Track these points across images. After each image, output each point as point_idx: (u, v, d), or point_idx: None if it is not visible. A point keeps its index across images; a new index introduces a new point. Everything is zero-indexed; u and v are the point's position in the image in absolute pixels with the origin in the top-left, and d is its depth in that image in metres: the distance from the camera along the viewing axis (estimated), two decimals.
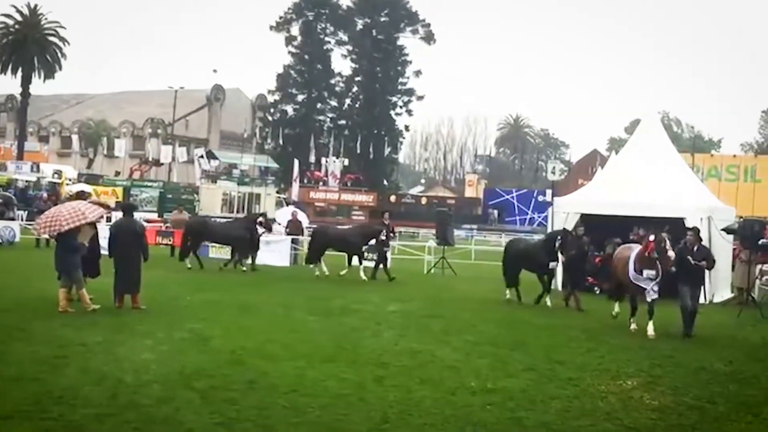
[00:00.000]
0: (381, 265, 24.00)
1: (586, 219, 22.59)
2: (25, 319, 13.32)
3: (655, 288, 14.72)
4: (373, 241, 24.27)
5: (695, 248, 15.10)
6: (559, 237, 18.95)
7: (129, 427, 7.63)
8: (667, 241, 14.51)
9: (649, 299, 14.69)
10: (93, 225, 15.15)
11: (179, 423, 7.84)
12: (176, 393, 8.98)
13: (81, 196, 17.56)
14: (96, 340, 11.88)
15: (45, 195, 43.90)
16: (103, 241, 16.09)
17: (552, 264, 19.07)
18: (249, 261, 25.33)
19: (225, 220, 28.71)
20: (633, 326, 15.09)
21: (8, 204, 34.11)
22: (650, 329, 14.45)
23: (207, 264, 25.59)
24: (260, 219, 26.28)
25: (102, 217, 15.84)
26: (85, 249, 14.95)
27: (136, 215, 19.18)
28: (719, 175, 76.05)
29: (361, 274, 23.49)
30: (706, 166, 75.95)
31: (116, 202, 19.74)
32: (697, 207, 21.55)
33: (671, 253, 14.41)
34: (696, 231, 15.56)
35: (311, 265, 24.81)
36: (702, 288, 16.27)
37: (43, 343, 11.54)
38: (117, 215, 17.22)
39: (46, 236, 14.66)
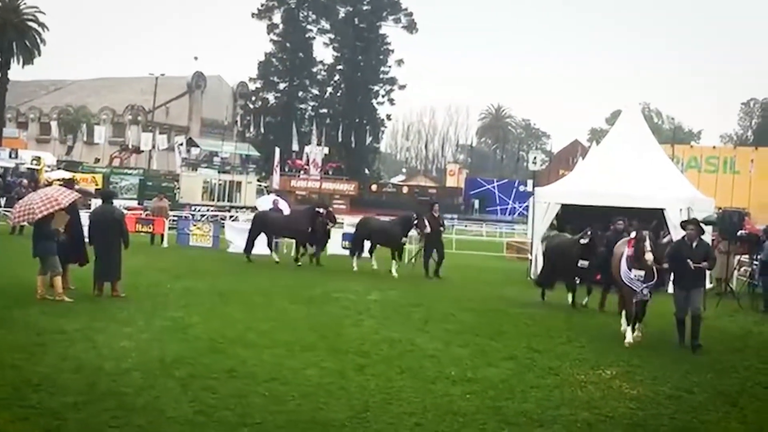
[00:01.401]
0: (430, 261, 22.37)
1: (566, 209, 22.74)
2: (2, 306, 13.23)
3: (646, 291, 13.06)
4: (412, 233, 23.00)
5: (694, 244, 13.11)
6: (588, 233, 17.63)
7: (108, 415, 7.60)
8: (648, 241, 12.78)
9: (635, 299, 13.10)
10: (68, 211, 15.02)
11: (159, 411, 7.82)
12: (156, 381, 8.96)
13: (69, 184, 17.34)
14: (75, 327, 11.82)
15: (26, 181, 43.53)
16: (84, 229, 16.01)
17: (582, 263, 17.47)
18: (314, 253, 24.17)
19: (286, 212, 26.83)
20: (629, 338, 13.08)
21: None
22: (629, 335, 13.07)
23: (192, 252, 25.49)
24: (320, 210, 24.09)
25: (76, 201, 15.60)
26: (62, 235, 14.82)
27: (116, 203, 19.04)
28: (699, 167, 76.69)
29: (393, 270, 22.09)
30: (686, 157, 76.54)
31: (96, 189, 19.00)
32: (676, 198, 21.66)
33: (649, 256, 12.61)
34: (696, 223, 13.62)
35: (353, 258, 23.38)
36: (703, 290, 14.02)
37: (21, 330, 11.48)
38: (96, 202, 17.06)
39: (25, 223, 14.52)
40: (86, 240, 15.83)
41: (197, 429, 7.33)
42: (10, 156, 57.26)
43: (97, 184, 51.75)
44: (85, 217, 17.35)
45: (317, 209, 24.24)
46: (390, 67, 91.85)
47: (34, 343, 10.61)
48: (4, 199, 42.58)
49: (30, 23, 74.24)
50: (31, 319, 12.32)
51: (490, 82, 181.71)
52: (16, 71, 75.84)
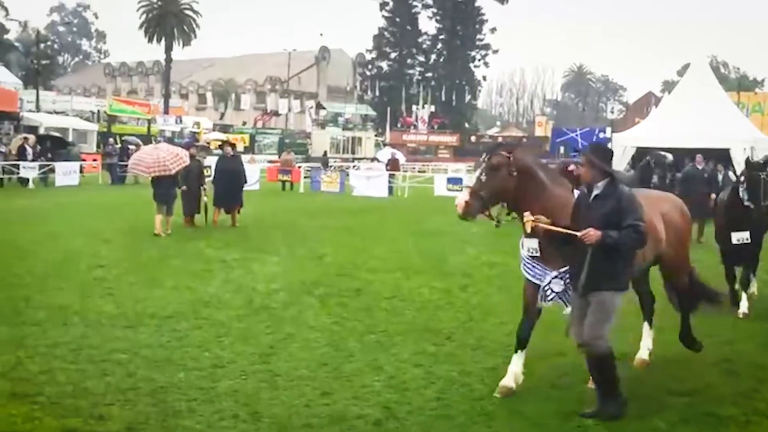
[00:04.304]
0: None
1: (641, 152, 22.07)
2: (178, 242, 13.95)
3: (557, 287, 5.87)
4: None
5: (594, 194, 5.45)
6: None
7: (263, 325, 7.99)
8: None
9: (543, 301, 6.08)
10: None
11: (303, 322, 8.17)
12: (299, 298, 9.33)
13: (224, 146, 18.16)
14: (233, 257, 12.36)
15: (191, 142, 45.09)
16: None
17: None
18: None
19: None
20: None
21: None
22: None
23: (323, 196, 25.97)
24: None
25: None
26: (177, 185, 15.58)
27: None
28: (762, 111, 72.44)
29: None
30: (750, 103, 72.31)
31: (221, 143, 19.38)
32: (740, 138, 20.73)
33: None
34: (588, 152, 5.71)
35: None
36: (611, 301, 5.40)
37: (192, 260, 12.09)
38: (224, 151, 17.90)
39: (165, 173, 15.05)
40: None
41: (334, 335, 7.63)
42: (175, 122, 59.37)
43: (245, 143, 53.12)
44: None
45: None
46: (485, 35, 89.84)
47: (202, 269, 11.18)
48: None
49: (186, 12, 76.02)
50: (200, 251, 12.94)
51: (573, 44, 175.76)
52: (178, 52, 78.16)
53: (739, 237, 8.98)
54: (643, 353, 6.79)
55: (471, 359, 6.91)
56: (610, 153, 5.71)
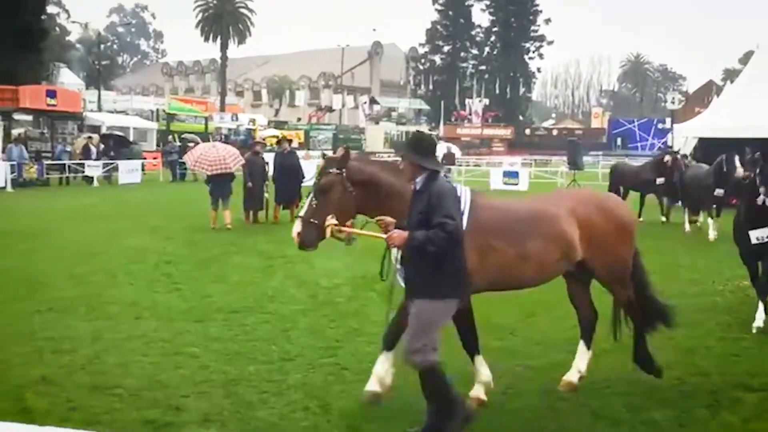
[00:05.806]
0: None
1: (703, 142, 21.61)
2: (239, 238, 14.22)
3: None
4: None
5: (417, 186, 4.97)
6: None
7: (327, 319, 8.14)
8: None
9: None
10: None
11: (365, 315, 8.29)
12: (361, 293, 9.45)
13: (281, 142, 18.71)
14: (294, 252, 12.31)
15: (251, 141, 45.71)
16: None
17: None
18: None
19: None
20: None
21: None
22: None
23: None
24: (667, 158, 17.62)
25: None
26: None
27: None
28: None
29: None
30: None
31: (278, 139, 19.85)
32: None
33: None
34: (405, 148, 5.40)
35: None
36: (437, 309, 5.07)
37: (254, 256, 12.34)
38: (282, 147, 18.27)
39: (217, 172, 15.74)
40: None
41: None
42: (231, 119, 60.31)
43: (299, 139, 53.65)
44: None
45: (664, 158, 17.88)
46: (539, 26, 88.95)
47: (265, 265, 11.40)
48: None
49: (242, 10, 77.18)
50: (260, 247, 13.19)
51: (629, 32, 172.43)
52: (233, 50, 79.43)
53: (759, 235, 7.97)
54: (572, 375, 6.02)
55: (535, 354, 6.91)
56: (429, 145, 4.98)
